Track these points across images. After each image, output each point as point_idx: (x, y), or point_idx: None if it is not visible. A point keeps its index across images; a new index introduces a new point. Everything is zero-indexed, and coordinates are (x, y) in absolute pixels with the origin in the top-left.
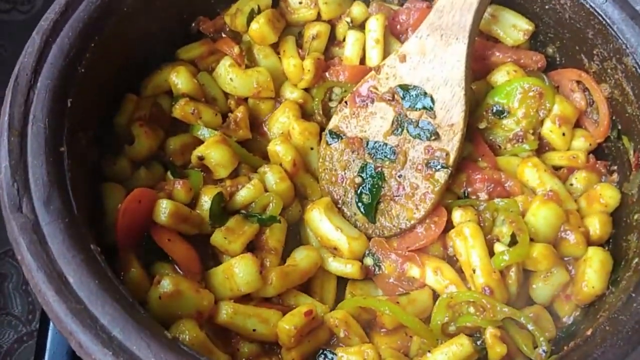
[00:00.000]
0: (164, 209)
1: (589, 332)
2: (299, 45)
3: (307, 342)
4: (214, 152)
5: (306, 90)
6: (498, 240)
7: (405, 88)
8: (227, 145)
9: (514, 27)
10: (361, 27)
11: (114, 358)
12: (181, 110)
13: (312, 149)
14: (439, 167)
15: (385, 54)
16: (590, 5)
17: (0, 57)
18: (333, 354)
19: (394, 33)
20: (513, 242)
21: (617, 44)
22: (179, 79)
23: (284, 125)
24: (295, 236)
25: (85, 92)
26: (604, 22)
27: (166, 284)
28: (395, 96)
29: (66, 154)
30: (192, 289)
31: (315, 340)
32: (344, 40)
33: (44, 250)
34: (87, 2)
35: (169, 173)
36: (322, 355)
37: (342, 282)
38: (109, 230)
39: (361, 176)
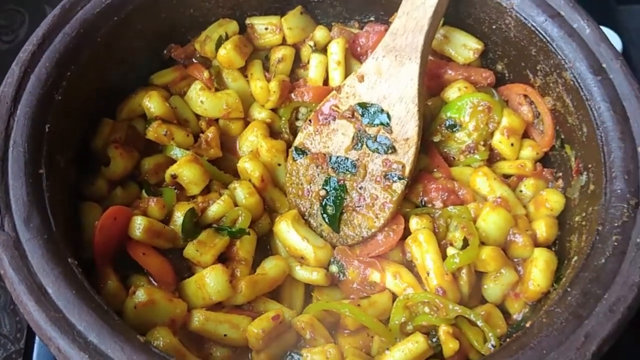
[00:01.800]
0: (139, 225)
1: (528, 324)
2: (266, 68)
3: (276, 345)
4: (186, 170)
5: (274, 110)
6: (451, 244)
7: (363, 106)
8: (199, 164)
9: (465, 47)
10: (324, 50)
11: None
12: (154, 132)
13: (279, 165)
14: (395, 178)
15: (347, 74)
16: (532, 24)
17: None
18: (299, 354)
19: (354, 55)
20: (465, 245)
21: (556, 59)
22: (152, 103)
23: (252, 144)
24: (265, 247)
25: (62, 117)
26: (544, 40)
27: (140, 294)
28: (355, 114)
29: (45, 176)
30: (166, 299)
31: (283, 343)
32: (308, 62)
33: (25, 265)
34: (63, 34)
35: (143, 191)
36: (290, 356)
37: (309, 288)
38: (87, 245)
39: (325, 189)
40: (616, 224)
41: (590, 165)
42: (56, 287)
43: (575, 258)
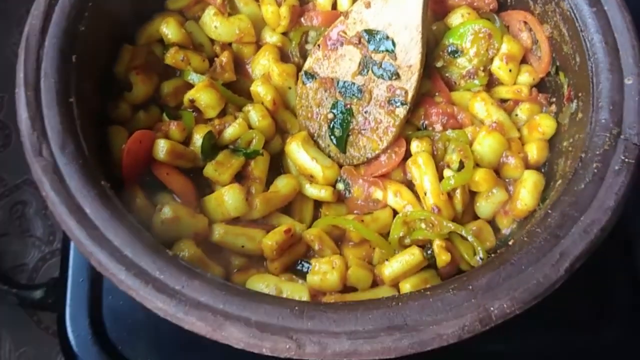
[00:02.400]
0: (162, 147)
1: (511, 242)
2: None
3: (288, 255)
4: (203, 95)
5: (284, 34)
6: (448, 166)
7: (370, 32)
8: (214, 89)
9: None
10: None
11: (126, 272)
12: (172, 58)
13: (290, 88)
14: (398, 104)
15: None
16: None
17: None
18: (309, 263)
19: None
20: (461, 167)
21: None
22: (169, 29)
23: (264, 67)
24: (278, 165)
25: (87, 46)
26: None
27: (167, 211)
28: (362, 40)
29: (75, 104)
30: (189, 215)
31: (294, 253)
32: None
33: (64, 188)
34: None
35: (164, 115)
36: (300, 265)
37: (318, 204)
38: (117, 166)
39: (333, 112)
40: (597, 152)
41: (580, 94)
42: (93, 207)
43: (560, 181)
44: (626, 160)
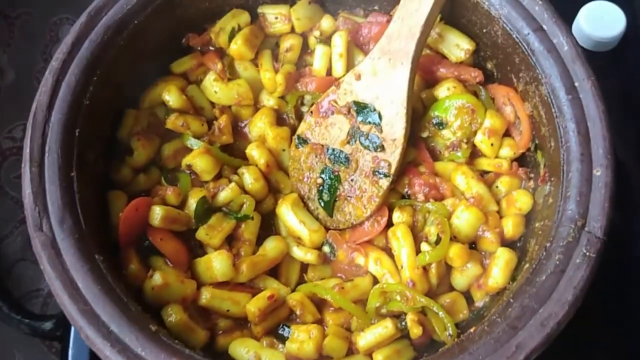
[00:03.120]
0: (157, 214)
1: (472, 330)
2: (275, 55)
3: (271, 319)
4: (199, 161)
5: (281, 97)
6: (426, 239)
7: (359, 104)
8: (210, 155)
9: (457, 47)
10: (329, 39)
11: (111, 349)
12: (172, 123)
13: (284, 150)
14: (382, 175)
15: (349, 63)
16: (516, 36)
17: None
18: (290, 328)
19: (357, 44)
20: (438, 240)
21: (535, 72)
22: (171, 96)
23: (260, 129)
24: (270, 222)
25: (90, 119)
26: (526, 52)
27: (157, 278)
28: (351, 110)
29: (75, 178)
30: (178, 280)
31: (277, 316)
32: (314, 50)
33: (60, 262)
34: (89, 41)
35: (162, 179)
36: (282, 328)
37: (304, 265)
38: (114, 229)
39: (322, 177)
40: (561, 244)
41: (552, 179)
42: (85, 282)
43: (527, 265)
44: (587, 254)
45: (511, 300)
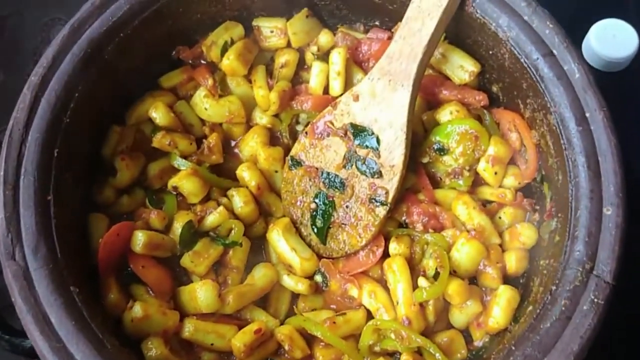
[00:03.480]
0: (139, 240)
1: None
2: (270, 71)
3: (258, 353)
4: (186, 183)
5: (275, 115)
6: (424, 273)
7: (356, 127)
8: (198, 177)
9: (461, 68)
10: (327, 55)
11: None
12: (159, 142)
13: (276, 171)
14: (379, 203)
15: (347, 82)
16: (525, 61)
17: None
18: None
19: (356, 61)
20: (437, 275)
21: (544, 100)
22: (158, 113)
23: (252, 149)
24: (260, 247)
25: (70, 137)
26: (534, 78)
27: (137, 310)
28: (348, 133)
29: (52, 202)
30: (160, 312)
31: (264, 350)
32: (311, 66)
33: (32, 295)
34: (71, 54)
35: (147, 201)
36: None
37: (295, 294)
38: (94, 254)
39: (315, 202)
40: (568, 288)
41: (560, 215)
42: (58, 317)
43: (530, 308)
44: (596, 300)
45: (513, 348)
